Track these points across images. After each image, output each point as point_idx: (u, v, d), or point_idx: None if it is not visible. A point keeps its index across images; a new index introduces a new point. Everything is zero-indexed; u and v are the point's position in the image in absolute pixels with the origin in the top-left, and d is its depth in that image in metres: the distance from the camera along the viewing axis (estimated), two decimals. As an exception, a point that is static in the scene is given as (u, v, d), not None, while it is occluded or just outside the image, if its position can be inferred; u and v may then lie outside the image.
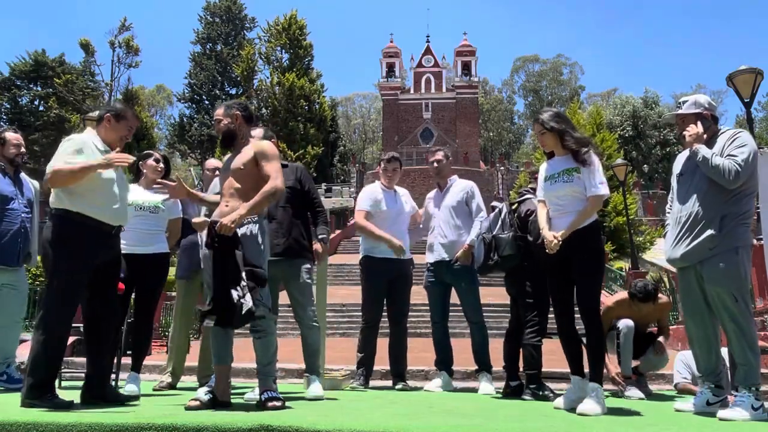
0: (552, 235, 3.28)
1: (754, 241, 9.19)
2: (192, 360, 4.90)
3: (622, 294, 4.80)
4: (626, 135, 45.04)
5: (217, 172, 4.70)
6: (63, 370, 5.17)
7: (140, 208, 4.12)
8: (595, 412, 3.04)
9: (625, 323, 4.44)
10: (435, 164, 4.88)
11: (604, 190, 3.32)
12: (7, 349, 4.45)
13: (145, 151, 4.57)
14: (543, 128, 3.45)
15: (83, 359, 7.84)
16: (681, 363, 4.67)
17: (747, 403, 2.99)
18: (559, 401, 3.40)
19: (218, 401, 3.06)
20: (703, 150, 3.15)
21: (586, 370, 3.35)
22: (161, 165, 4.28)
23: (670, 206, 3.41)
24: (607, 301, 4.81)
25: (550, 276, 3.45)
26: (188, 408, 2.95)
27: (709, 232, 3.09)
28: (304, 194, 3.97)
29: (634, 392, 4.20)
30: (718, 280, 3.10)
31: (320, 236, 3.97)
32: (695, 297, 3.26)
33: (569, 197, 3.36)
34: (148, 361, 6.91)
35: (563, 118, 3.48)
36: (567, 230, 3.26)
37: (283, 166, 3.79)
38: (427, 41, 55.55)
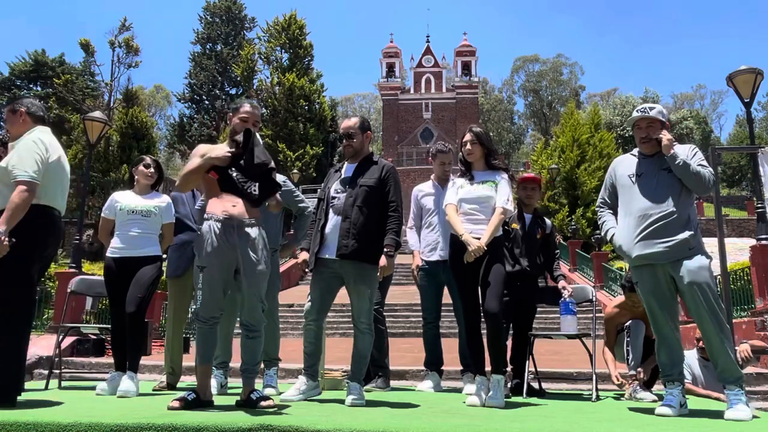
0: (478, 244, 3.54)
1: (754, 241, 9.17)
2: (192, 360, 4.90)
3: (620, 297, 4.79)
4: (626, 135, 44.92)
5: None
6: (63, 370, 5.20)
7: (132, 212, 4.19)
8: (499, 405, 3.38)
9: (633, 321, 4.42)
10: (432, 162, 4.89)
11: (510, 206, 3.74)
12: None
13: (138, 157, 4.63)
14: (476, 139, 3.81)
15: (83, 359, 7.87)
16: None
17: (744, 400, 3.01)
18: (474, 399, 3.51)
19: (201, 401, 3.07)
20: (682, 155, 3.29)
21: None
22: (151, 170, 4.31)
23: (604, 202, 3.61)
24: (606, 309, 4.79)
25: (463, 277, 3.68)
26: (170, 408, 2.94)
27: (688, 232, 3.21)
28: (384, 195, 3.66)
29: (645, 395, 4.16)
30: (700, 275, 3.16)
31: (385, 247, 3.56)
32: (663, 295, 3.30)
33: (488, 205, 3.70)
34: (148, 360, 6.93)
35: (490, 139, 3.93)
36: (488, 239, 3.57)
37: (375, 162, 3.76)
38: (427, 41, 55.56)
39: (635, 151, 3.55)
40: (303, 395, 3.59)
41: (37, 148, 3.25)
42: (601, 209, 3.61)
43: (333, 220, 3.64)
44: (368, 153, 3.84)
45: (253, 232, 3.21)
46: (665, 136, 3.34)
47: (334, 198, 3.69)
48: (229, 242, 3.16)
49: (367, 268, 3.57)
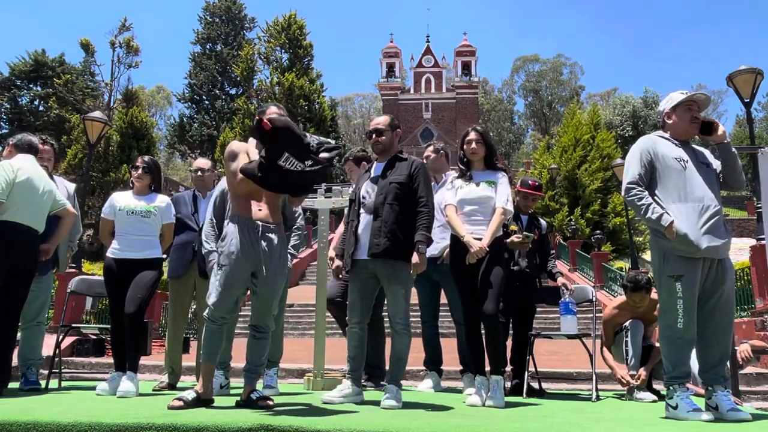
0: (480, 245, 3.54)
1: (754, 241, 9.15)
2: (191, 360, 4.90)
3: (620, 298, 4.80)
4: (626, 135, 44.96)
5: (209, 173, 4.73)
6: (63, 370, 5.19)
7: (132, 213, 4.17)
8: (499, 405, 3.39)
9: (632, 320, 4.40)
10: (424, 161, 4.86)
11: (510, 206, 3.75)
12: (28, 351, 4.47)
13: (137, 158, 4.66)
14: (481, 139, 3.83)
15: (83, 359, 7.85)
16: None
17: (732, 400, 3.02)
18: (475, 399, 3.51)
19: (201, 400, 3.08)
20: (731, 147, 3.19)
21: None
22: (139, 171, 4.30)
23: (642, 179, 3.13)
24: (605, 309, 4.79)
25: (463, 277, 3.68)
26: (171, 407, 2.94)
27: (729, 236, 3.10)
28: (413, 191, 3.57)
29: (645, 395, 4.14)
30: (732, 278, 3.12)
31: (417, 243, 3.44)
32: (696, 292, 3.05)
33: (488, 205, 3.71)
34: (148, 360, 6.94)
35: (491, 139, 3.96)
36: (489, 240, 3.59)
37: (404, 159, 3.69)
38: (427, 41, 55.69)
39: (662, 134, 3.25)
40: (345, 399, 3.48)
41: (3, 171, 3.76)
42: (640, 187, 3.11)
43: (365, 219, 3.59)
44: (397, 151, 3.78)
45: (275, 237, 3.22)
46: (721, 125, 3.19)
47: (364, 198, 3.64)
48: (252, 246, 3.15)
49: (399, 267, 3.48)
